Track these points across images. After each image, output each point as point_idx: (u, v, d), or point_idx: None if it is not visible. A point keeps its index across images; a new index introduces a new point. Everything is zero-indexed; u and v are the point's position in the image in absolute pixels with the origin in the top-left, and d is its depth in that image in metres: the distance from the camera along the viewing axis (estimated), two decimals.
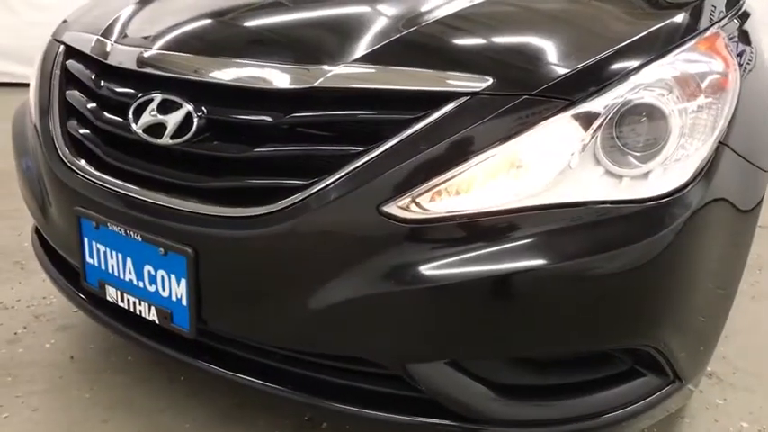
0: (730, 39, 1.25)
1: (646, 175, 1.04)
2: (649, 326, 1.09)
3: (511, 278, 1.01)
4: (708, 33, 1.17)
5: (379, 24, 1.18)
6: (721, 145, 1.10)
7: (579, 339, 1.08)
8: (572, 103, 1.02)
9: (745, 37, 1.36)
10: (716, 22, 1.21)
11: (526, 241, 1.01)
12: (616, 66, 1.06)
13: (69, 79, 1.42)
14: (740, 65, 1.23)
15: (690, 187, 1.05)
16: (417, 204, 1.02)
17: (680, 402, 1.35)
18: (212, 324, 1.18)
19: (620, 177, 1.04)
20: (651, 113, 1.05)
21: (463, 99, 1.03)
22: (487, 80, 1.03)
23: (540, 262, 1.00)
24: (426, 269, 1.01)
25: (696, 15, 1.20)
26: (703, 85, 1.09)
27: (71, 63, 1.43)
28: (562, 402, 1.11)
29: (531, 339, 1.07)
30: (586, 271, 1.01)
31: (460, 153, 1.01)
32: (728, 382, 1.74)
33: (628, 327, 1.08)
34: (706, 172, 1.07)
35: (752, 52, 1.37)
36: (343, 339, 1.09)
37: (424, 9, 1.22)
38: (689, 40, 1.13)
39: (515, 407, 1.10)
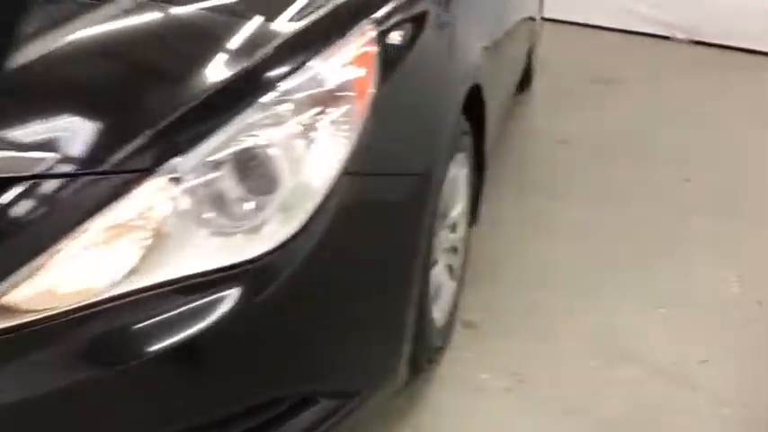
0: (378, 50, 1.16)
1: (258, 228, 0.98)
2: (303, 375, 1.07)
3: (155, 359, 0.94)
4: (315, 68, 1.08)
5: None
6: (347, 174, 1.05)
7: (243, 397, 1.05)
8: (152, 172, 0.93)
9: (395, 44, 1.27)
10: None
11: (139, 326, 0.94)
12: (207, 116, 0.98)
13: None
14: (386, 68, 1.16)
15: (309, 229, 1.00)
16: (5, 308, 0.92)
17: (387, 396, 1.34)
18: None
19: (231, 235, 0.98)
20: (257, 160, 0.98)
21: (27, 183, 0.91)
22: (50, 160, 0.91)
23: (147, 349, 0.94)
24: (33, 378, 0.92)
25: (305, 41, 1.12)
26: (316, 119, 1.03)
27: None
28: None
29: (193, 411, 1.02)
30: (195, 344, 0.96)
31: (36, 244, 0.91)
32: (481, 332, 1.83)
33: (282, 380, 1.06)
34: (326, 208, 1.02)
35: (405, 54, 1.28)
36: None
37: None
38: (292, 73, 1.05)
39: None
